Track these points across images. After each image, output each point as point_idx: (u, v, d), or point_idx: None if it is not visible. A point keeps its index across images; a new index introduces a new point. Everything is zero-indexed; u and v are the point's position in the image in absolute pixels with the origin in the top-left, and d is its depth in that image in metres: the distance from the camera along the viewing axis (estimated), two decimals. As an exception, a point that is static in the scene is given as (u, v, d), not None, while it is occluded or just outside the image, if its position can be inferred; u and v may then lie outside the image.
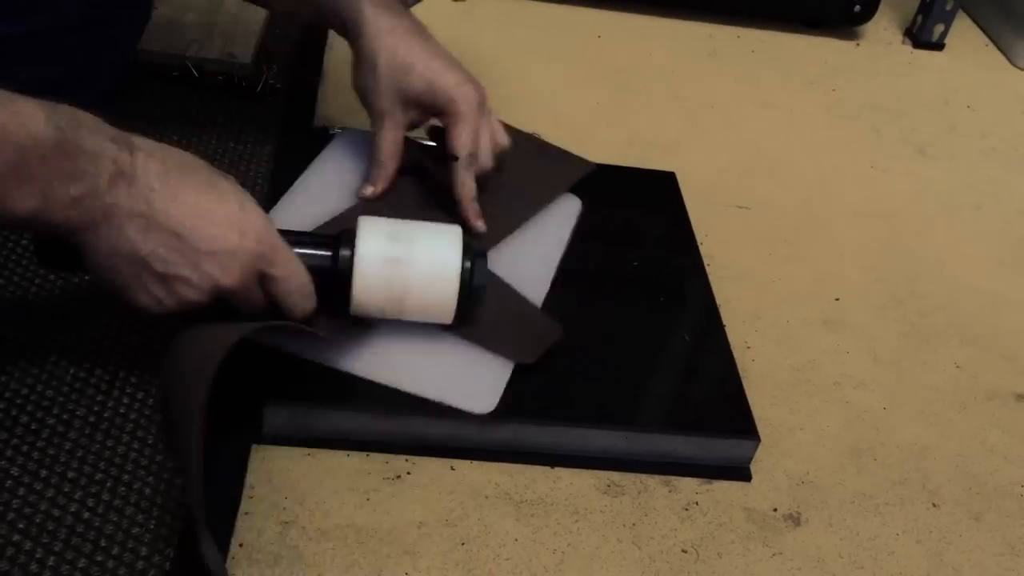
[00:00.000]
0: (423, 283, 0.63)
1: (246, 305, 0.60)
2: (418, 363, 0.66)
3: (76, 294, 0.69)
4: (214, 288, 0.57)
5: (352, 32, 0.73)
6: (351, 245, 0.63)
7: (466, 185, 0.73)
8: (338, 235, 0.64)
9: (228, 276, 0.57)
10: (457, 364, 0.66)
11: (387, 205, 0.74)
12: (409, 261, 0.63)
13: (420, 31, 0.73)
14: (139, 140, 0.55)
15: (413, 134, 0.76)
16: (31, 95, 0.51)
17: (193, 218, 0.55)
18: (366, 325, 0.67)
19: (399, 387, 0.65)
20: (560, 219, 0.82)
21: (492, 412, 0.64)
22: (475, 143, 0.72)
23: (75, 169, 0.52)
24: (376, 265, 0.63)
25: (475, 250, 0.65)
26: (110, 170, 0.53)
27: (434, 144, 0.77)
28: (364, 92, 0.73)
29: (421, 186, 0.77)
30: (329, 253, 0.63)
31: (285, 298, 0.60)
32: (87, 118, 0.53)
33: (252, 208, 0.58)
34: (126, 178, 0.54)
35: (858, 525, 0.67)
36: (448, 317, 0.65)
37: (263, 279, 0.59)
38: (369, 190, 0.75)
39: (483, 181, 0.75)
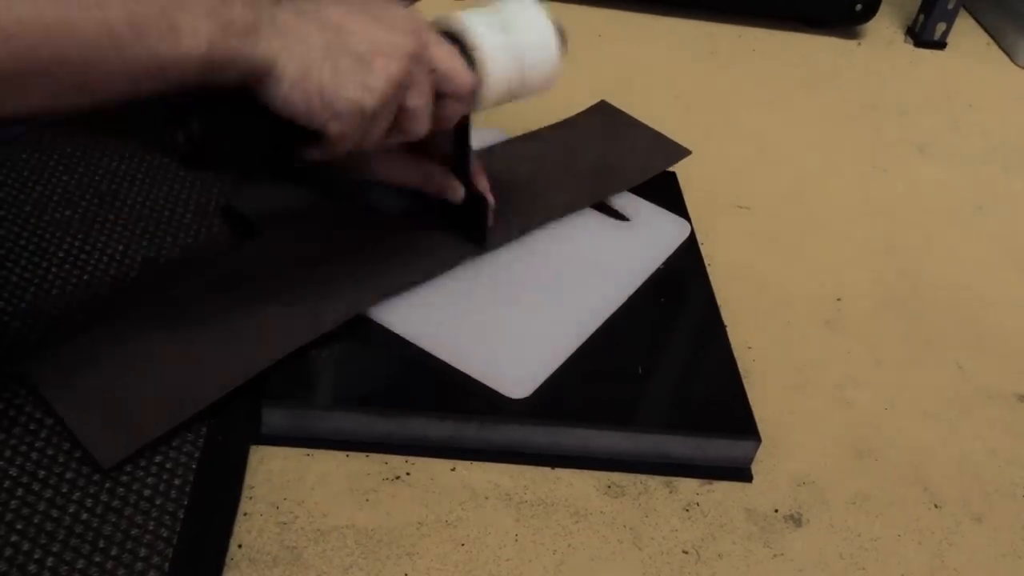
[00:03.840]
0: (532, 51, 0.66)
1: (421, 86, 0.59)
2: (463, 337, 0.68)
3: (75, 294, 0.69)
4: (406, 53, 0.57)
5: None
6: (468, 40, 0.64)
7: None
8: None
9: (413, 35, 0.58)
10: (502, 345, 0.68)
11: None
12: (515, 29, 0.65)
13: None
14: None
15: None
16: None
17: None
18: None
19: (439, 356, 0.66)
20: (660, 240, 0.82)
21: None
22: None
23: None
24: (498, 51, 0.64)
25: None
26: None
27: None
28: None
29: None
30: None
31: (452, 63, 0.61)
32: None
33: None
34: None
35: (859, 526, 0.67)
36: (556, 75, 0.68)
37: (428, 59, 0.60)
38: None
39: (565, 153, 0.74)
